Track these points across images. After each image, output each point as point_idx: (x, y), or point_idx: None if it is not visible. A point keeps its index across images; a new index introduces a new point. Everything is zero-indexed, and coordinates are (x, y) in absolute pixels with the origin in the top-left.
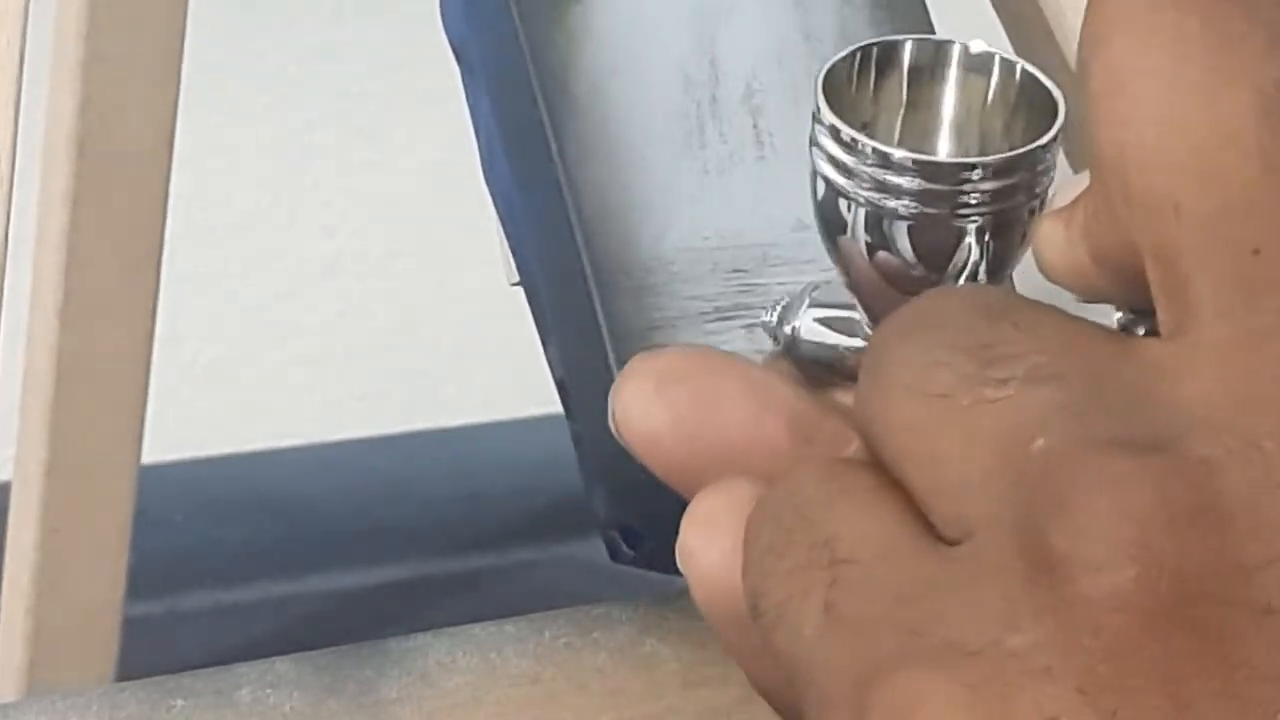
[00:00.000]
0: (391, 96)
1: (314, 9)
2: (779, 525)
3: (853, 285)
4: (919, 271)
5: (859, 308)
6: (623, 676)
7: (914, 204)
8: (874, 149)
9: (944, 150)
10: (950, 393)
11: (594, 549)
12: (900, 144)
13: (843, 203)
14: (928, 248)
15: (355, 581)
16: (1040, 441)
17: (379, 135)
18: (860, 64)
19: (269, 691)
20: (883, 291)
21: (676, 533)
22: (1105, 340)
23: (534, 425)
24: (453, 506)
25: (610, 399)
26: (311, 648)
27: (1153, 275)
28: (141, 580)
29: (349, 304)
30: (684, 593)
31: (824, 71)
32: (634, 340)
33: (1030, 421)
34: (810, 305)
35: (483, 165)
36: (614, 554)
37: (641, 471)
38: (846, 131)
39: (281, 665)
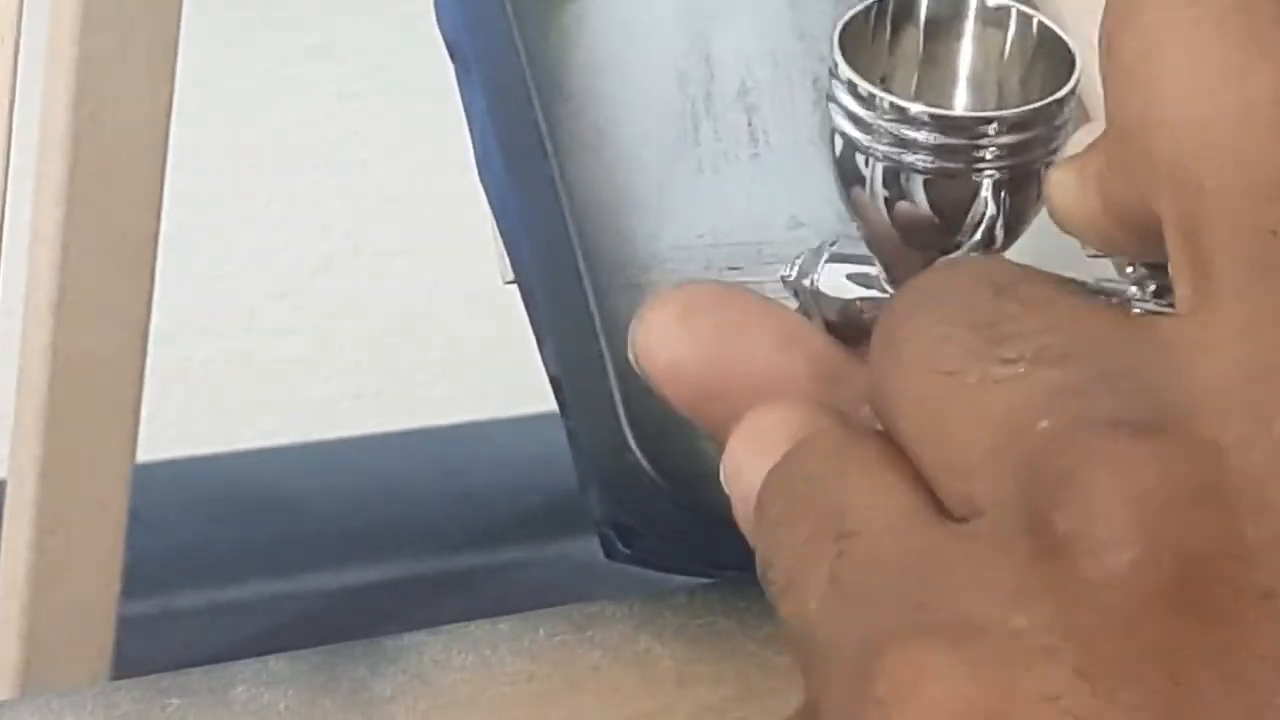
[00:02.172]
0: (386, 95)
1: (308, 7)
2: (790, 495)
3: (871, 241)
4: (936, 226)
5: (877, 263)
6: (618, 674)
7: (931, 158)
8: (891, 103)
9: (961, 104)
10: (958, 370)
11: (589, 547)
12: (917, 98)
13: (860, 158)
14: (944, 202)
15: (350, 580)
16: (1045, 423)
17: (373, 134)
18: (876, 17)
19: (264, 690)
20: (900, 247)
21: (671, 530)
22: (1115, 318)
23: (529, 424)
24: (447, 505)
25: (631, 329)
26: (306, 646)
27: (1172, 247)
28: (136, 579)
29: (343, 303)
30: (679, 590)
31: (840, 25)
32: (628, 338)
33: (1036, 402)
34: (829, 260)
35: (477, 163)
36: (609, 552)
37: (636, 469)
38: (863, 86)
39: (276, 664)
